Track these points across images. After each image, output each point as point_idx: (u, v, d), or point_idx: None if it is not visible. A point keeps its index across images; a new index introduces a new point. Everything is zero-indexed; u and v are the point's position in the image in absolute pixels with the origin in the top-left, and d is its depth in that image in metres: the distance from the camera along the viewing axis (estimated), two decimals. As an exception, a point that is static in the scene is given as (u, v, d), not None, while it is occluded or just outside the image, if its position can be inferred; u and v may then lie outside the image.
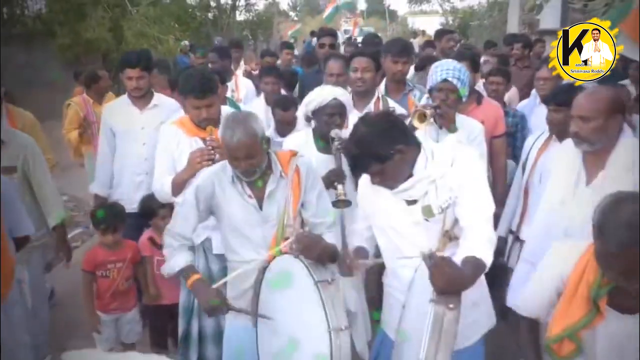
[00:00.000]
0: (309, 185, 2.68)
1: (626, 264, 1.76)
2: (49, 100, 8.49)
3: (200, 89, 3.14)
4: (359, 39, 25.03)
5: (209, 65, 5.72)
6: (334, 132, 3.17)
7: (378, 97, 3.71)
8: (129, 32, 10.73)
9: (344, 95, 3.29)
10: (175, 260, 2.66)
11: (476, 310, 2.42)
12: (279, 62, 7.35)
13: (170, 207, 3.56)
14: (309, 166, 2.74)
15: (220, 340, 3.02)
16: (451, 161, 2.32)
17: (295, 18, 40.67)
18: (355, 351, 3.30)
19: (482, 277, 2.45)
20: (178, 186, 3.12)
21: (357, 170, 2.38)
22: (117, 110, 4.16)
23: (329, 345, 2.17)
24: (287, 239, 2.57)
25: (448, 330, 2.01)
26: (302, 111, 3.37)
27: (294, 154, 2.74)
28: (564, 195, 2.77)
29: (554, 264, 2.15)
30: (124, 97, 4.21)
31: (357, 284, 3.27)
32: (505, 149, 3.99)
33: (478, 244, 2.20)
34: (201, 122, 3.17)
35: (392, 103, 3.75)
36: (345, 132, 3.25)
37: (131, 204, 3.95)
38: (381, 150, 2.23)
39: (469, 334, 2.42)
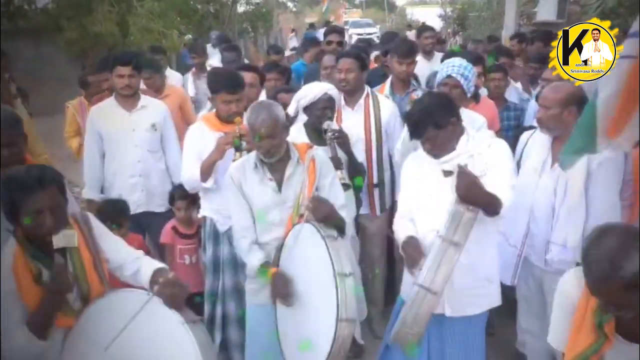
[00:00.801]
0: (323, 172, 2.96)
1: (611, 296, 1.74)
2: (57, 94, 8.53)
3: (231, 85, 3.44)
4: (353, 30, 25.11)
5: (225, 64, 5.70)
6: (326, 124, 3.41)
7: (367, 93, 3.94)
8: (134, 27, 10.82)
9: (332, 89, 3.56)
10: (250, 262, 2.93)
11: (489, 286, 2.82)
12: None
13: (190, 200, 3.81)
14: (324, 158, 3.04)
15: (242, 323, 3.26)
16: (488, 145, 2.74)
17: (294, 9, 40.63)
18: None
19: (496, 262, 2.86)
20: (207, 169, 3.38)
21: (415, 135, 2.75)
22: (105, 113, 4.09)
23: (335, 289, 2.46)
24: (302, 216, 2.83)
25: (465, 225, 2.41)
26: (293, 107, 3.56)
27: (310, 146, 3.03)
28: (532, 176, 3.11)
29: (565, 291, 2.10)
30: (111, 100, 4.15)
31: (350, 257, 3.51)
32: None
33: (499, 191, 2.53)
34: (231, 115, 3.42)
35: (381, 98, 3.99)
36: (335, 124, 3.54)
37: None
38: (439, 118, 2.66)
39: (481, 304, 2.82)
